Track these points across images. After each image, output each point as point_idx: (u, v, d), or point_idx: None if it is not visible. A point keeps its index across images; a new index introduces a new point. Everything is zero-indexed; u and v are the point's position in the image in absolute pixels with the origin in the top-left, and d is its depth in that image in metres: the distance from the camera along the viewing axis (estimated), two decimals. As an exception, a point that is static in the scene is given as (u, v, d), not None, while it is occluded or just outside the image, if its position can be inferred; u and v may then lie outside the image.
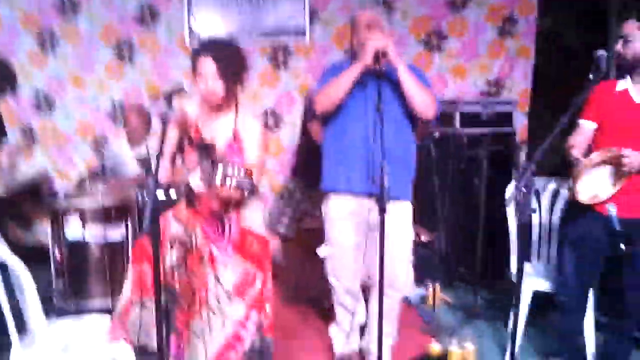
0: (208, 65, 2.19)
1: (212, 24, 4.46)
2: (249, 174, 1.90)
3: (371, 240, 2.58)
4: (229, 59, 2.24)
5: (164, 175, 2.34)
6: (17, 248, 4.24)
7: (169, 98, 1.99)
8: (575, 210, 2.65)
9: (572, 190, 2.46)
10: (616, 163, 2.37)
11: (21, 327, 2.06)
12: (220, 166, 1.89)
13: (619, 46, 2.41)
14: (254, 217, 2.42)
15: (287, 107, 4.61)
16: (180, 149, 2.54)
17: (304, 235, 3.61)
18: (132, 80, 4.50)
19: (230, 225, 2.36)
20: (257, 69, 4.47)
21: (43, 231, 4.36)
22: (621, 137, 2.42)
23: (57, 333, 2.23)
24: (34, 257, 3.52)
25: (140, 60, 4.49)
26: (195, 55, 2.25)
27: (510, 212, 3.10)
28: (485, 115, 4.00)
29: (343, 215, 2.65)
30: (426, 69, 4.46)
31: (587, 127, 2.54)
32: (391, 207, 2.23)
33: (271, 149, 4.57)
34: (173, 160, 2.48)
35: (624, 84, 2.48)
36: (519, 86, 4.57)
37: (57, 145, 4.56)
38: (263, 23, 4.50)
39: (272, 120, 4.61)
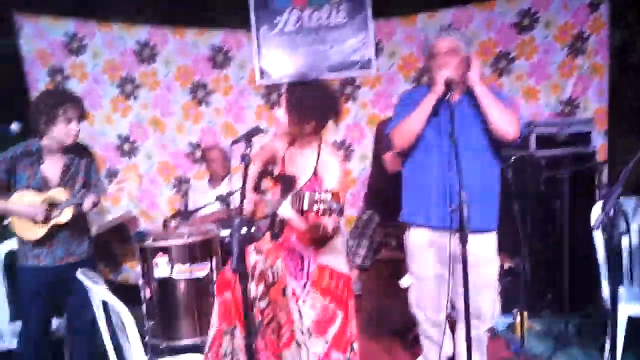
0: (289, 97, 2.33)
1: (280, 62, 4.61)
2: (335, 195, 1.94)
3: (455, 271, 2.56)
4: (302, 92, 2.34)
5: (248, 211, 2.42)
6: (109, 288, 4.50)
7: (249, 138, 2.09)
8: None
9: None
10: None
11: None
12: (307, 194, 1.97)
13: None
14: (335, 252, 2.45)
15: (356, 139, 4.67)
16: (258, 185, 2.64)
17: (381, 267, 3.60)
18: (207, 121, 4.71)
19: (309, 261, 2.40)
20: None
21: (130, 271, 4.60)
22: None
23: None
24: (123, 296, 3.71)
25: (214, 101, 4.69)
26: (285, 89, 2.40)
27: (598, 235, 2.99)
28: (562, 135, 3.90)
29: (423, 246, 2.63)
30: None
31: None
32: (474, 238, 2.21)
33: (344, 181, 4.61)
34: (255, 194, 2.57)
35: None
36: (594, 105, 4.43)
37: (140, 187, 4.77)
38: (329, 58, 4.60)
39: (342, 152, 4.67)
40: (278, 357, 2.29)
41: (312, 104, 2.34)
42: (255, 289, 2.26)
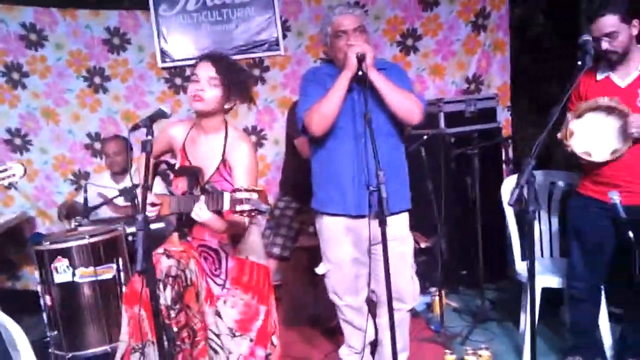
0: (206, 68, 2.12)
1: (182, 43, 4.36)
2: (262, 195, 1.80)
3: (372, 254, 2.53)
4: (228, 67, 2.17)
5: (150, 214, 2.20)
6: (5, 296, 4.13)
7: (149, 124, 1.90)
8: (576, 201, 2.63)
9: (564, 145, 2.46)
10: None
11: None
12: (226, 194, 1.81)
13: (605, 44, 2.37)
14: (253, 244, 2.33)
15: (268, 123, 4.53)
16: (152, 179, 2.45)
17: (300, 255, 3.52)
18: (106, 109, 4.39)
19: (227, 257, 2.27)
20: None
21: (30, 277, 4.24)
22: None
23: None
24: (25, 304, 3.42)
25: (112, 88, 4.38)
26: (196, 62, 2.19)
27: (509, 210, 3.07)
28: (469, 113, 3.98)
29: (339, 232, 2.56)
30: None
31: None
32: (389, 219, 2.17)
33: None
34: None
35: (604, 72, 2.49)
36: (498, 81, 4.56)
37: (34, 184, 4.39)
38: (235, 38, 4.41)
39: (254, 137, 4.52)
40: None
41: (238, 81, 2.19)
42: (168, 296, 2.08)
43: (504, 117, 4.49)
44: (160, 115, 1.95)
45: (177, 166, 2.34)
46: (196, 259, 2.21)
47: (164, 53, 4.37)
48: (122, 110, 4.41)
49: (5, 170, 2.48)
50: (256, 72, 4.47)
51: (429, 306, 3.55)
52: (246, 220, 2.08)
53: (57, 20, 4.25)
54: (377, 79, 2.33)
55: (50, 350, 2.98)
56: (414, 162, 3.10)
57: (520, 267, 3.03)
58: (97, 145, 4.38)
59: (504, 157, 4.17)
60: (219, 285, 2.24)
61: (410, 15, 4.47)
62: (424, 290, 3.50)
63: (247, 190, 1.81)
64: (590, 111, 2.43)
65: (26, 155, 4.33)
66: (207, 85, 2.11)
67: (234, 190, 1.81)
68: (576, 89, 2.52)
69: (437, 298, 3.36)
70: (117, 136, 3.91)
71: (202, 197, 1.97)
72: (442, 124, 3.90)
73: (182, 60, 4.38)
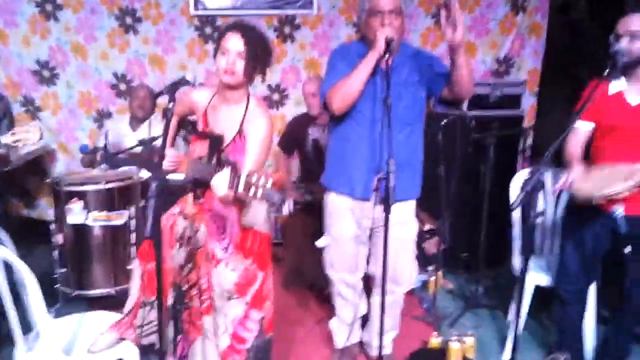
0: (236, 42, 2.11)
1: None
2: (277, 184, 1.81)
3: (374, 236, 2.59)
4: (257, 41, 2.17)
5: (168, 167, 2.28)
6: (19, 223, 4.30)
7: (172, 90, 1.95)
8: (579, 205, 2.63)
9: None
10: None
11: (25, 325, 2.06)
12: (243, 177, 1.78)
13: (624, 43, 2.25)
14: (257, 213, 2.39)
15: (292, 82, 4.53)
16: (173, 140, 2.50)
17: (305, 215, 3.57)
18: (135, 51, 4.43)
19: (232, 223, 2.34)
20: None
21: (47, 208, 4.40)
22: (616, 140, 2.39)
23: (62, 330, 2.25)
24: (38, 235, 3.56)
25: (143, 30, 4.40)
26: (224, 32, 2.17)
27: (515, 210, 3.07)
28: (494, 96, 3.93)
29: (343, 210, 2.61)
30: (437, 44, 4.38)
31: (583, 128, 2.49)
32: (395, 206, 2.21)
33: (276, 126, 4.51)
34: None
35: (617, 85, 2.39)
36: (529, 65, 4.47)
37: (57, 118, 4.50)
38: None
39: (277, 95, 4.53)
40: (198, 325, 2.26)
41: (263, 53, 2.19)
42: (182, 256, 2.18)
43: (529, 102, 4.43)
44: (183, 83, 2.00)
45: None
46: (206, 222, 2.30)
47: (197, 1, 4.34)
48: (150, 53, 4.44)
49: (20, 132, 2.53)
50: (286, 29, 4.44)
51: (425, 284, 3.62)
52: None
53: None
54: (463, 54, 2.27)
55: (57, 287, 3.13)
56: (431, 142, 3.12)
57: (517, 261, 3.07)
58: (122, 86, 4.45)
59: (520, 147, 4.12)
60: (222, 249, 2.32)
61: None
62: (422, 269, 3.57)
63: (264, 176, 1.79)
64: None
65: (52, 88, 4.42)
66: (237, 58, 2.13)
67: (250, 174, 1.78)
68: (591, 96, 2.45)
69: (433, 278, 3.43)
70: (145, 85, 3.97)
71: (225, 173, 1.93)
72: (464, 105, 3.86)
73: (215, 9, 4.36)
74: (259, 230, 2.36)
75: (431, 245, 3.54)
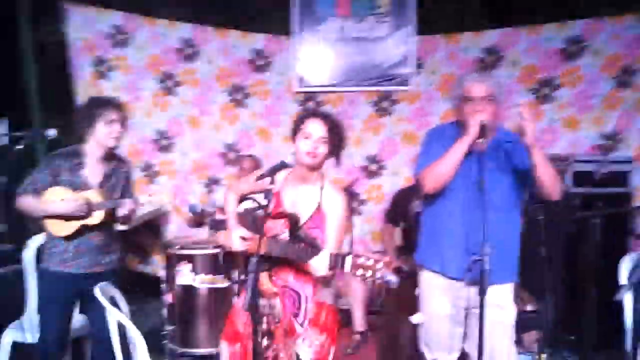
0: (318, 127, 2.24)
1: (319, 70, 4.63)
2: (388, 264, 1.84)
3: (469, 316, 2.56)
4: (337, 127, 2.30)
5: (242, 247, 2.36)
6: (133, 277, 4.60)
7: (273, 174, 2.09)
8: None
9: None
10: None
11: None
12: (349, 257, 1.84)
13: None
14: (330, 286, 2.39)
15: (389, 154, 4.65)
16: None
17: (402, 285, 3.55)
18: (243, 124, 4.76)
19: (307, 299, 2.35)
20: (361, 116, 4.60)
21: (156, 263, 4.70)
22: None
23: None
24: (149, 291, 3.79)
25: (251, 105, 4.73)
26: (304, 117, 2.30)
27: (627, 297, 2.93)
28: (601, 173, 3.81)
29: (438, 289, 2.59)
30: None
31: None
32: (491, 288, 2.19)
33: (372, 195, 4.62)
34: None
35: None
36: (636, 142, 4.31)
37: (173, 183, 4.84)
38: (368, 70, 4.59)
39: (375, 166, 4.66)
40: None
41: (341, 138, 2.31)
42: (261, 333, 2.26)
43: (638, 181, 4.24)
44: (283, 166, 2.18)
45: (270, 209, 2.35)
46: (280, 297, 2.33)
47: (300, 78, 4.64)
48: (258, 126, 4.75)
49: (154, 194, 2.80)
50: (384, 104, 4.61)
51: (528, 366, 3.44)
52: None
53: (211, 38, 4.69)
54: (537, 153, 2.32)
55: (164, 343, 3.32)
56: (531, 221, 3.07)
57: (629, 346, 2.88)
58: (231, 155, 4.76)
59: (630, 228, 3.93)
60: (299, 324, 2.34)
61: (548, 64, 4.37)
62: (525, 348, 3.42)
63: (373, 259, 1.85)
64: None
65: (170, 157, 4.81)
66: (319, 143, 2.26)
67: (357, 255, 1.85)
68: None
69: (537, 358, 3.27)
70: (251, 156, 4.24)
71: (325, 254, 2.04)
72: (569, 181, 3.78)
73: (317, 86, 4.63)
74: (329, 304, 2.38)
75: (530, 338, 3.40)
